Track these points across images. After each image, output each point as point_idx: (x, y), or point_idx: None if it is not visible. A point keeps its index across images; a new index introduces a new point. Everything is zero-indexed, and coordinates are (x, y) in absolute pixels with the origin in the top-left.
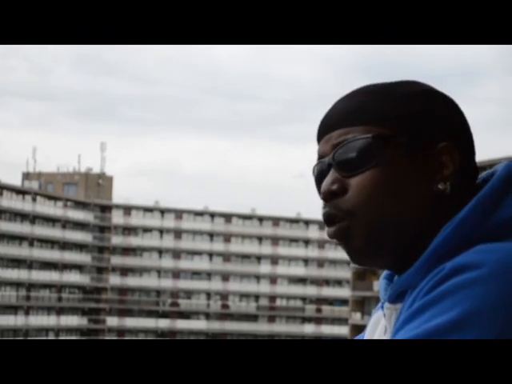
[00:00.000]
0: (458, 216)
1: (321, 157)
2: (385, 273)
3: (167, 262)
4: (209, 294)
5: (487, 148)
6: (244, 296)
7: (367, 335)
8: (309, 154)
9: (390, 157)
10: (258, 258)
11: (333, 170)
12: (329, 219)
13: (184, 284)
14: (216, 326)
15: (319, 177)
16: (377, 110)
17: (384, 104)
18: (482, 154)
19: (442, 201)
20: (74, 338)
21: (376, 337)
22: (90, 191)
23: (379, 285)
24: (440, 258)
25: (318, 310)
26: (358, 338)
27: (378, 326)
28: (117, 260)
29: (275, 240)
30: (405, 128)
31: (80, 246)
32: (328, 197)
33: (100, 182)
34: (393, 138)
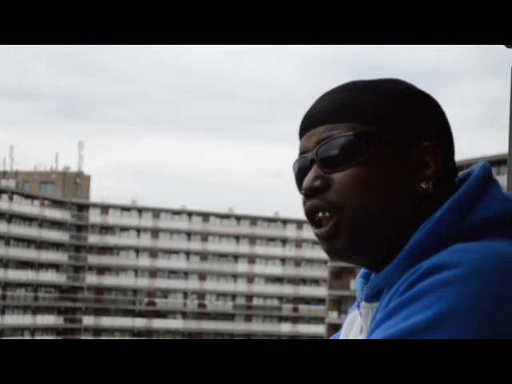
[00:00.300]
0: (435, 215)
1: (303, 152)
2: (361, 271)
3: (144, 261)
4: (186, 293)
5: (464, 148)
6: (221, 295)
7: (343, 334)
8: (286, 153)
9: (374, 155)
10: (236, 257)
11: (315, 166)
12: (312, 211)
13: (161, 283)
14: (193, 325)
15: (300, 173)
16: (363, 107)
17: (370, 101)
18: (459, 154)
19: (423, 200)
20: (49, 337)
21: (352, 336)
22: (68, 190)
23: (356, 284)
24: (417, 256)
25: (295, 309)
26: (333, 336)
27: (354, 325)
28: (93, 259)
29: (252, 239)
30: (390, 126)
31: (57, 245)
32: (310, 193)
33: (77, 181)
34: (378, 136)
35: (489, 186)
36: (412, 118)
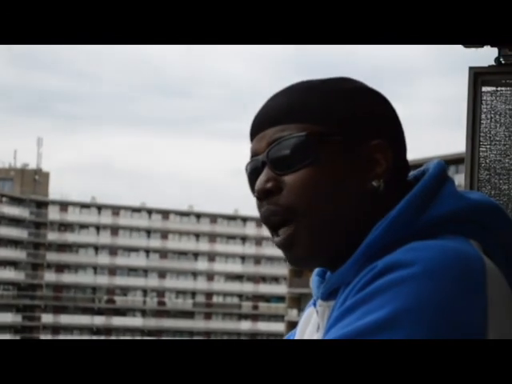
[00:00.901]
0: (391, 214)
1: (254, 154)
2: (317, 269)
3: (103, 259)
4: (145, 291)
5: (424, 147)
6: (180, 293)
7: (299, 331)
8: (246, 151)
9: (326, 155)
10: (195, 255)
11: (267, 167)
12: (267, 216)
13: (120, 281)
14: (152, 322)
15: (252, 175)
16: (312, 107)
17: (320, 101)
18: (418, 153)
19: (376, 198)
20: (7, 335)
21: (308, 333)
22: (26, 187)
23: (311, 282)
24: (372, 255)
25: (255, 307)
26: (289, 334)
27: (310, 322)
28: (52, 256)
29: (212, 237)
30: (340, 126)
31: (15, 243)
32: (262, 195)
33: (36, 178)
34: (328, 136)
35: (444, 184)
36: (362, 116)
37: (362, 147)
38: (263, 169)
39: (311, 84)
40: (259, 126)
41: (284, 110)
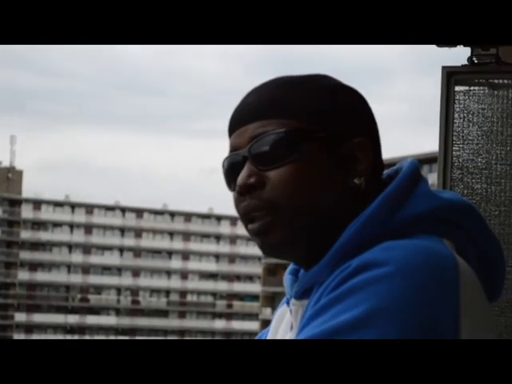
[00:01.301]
0: (365, 213)
1: (234, 149)
2: (290, 268)
3: (77, 257)
4: (119, 290)
5: (398, 146)
6: (154, 291)
7: (272, 330)
8: (220, 149)
9: (308, 151)
10: (169, 254)
11: (249, 163)
12: (248, 214)
13: (94, 279)
14: (126, 321)
15: (231, 170)
16: (295, 103)
17: (303, 98)
18: (393, 152)
19: (356, 196)
20: None
21: (281, 332)
22: None
23: (285, 280)
24: (346, 254)
25: (229, 306)
26: (262, 332)
27: (283, 321)
28: (25, 255)
29: (187, 235)
30: (323, 123)
31: None
32: (245, 190)
33: (9, 176)
34: (311, 133)
35: (417, 183)
36: (344, 114)
37: (345, 145)
38: (244, 164)
39: (293, 80)
40: (239, 120)
41: (266, 106)
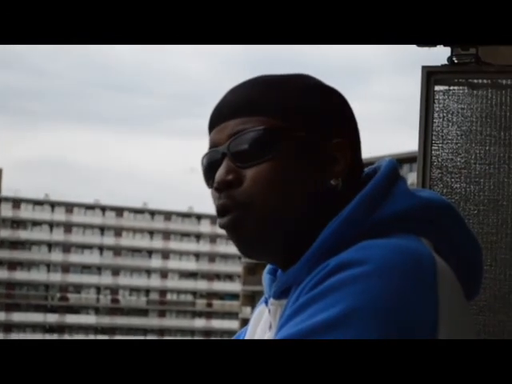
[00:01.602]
0: (343, 213)
1: (213, 145)
2: (268, 267)
3: (57, 256)
4: (99, 289)
5: (379, 145)
6: (134, 290)
7: (250, 329)
8: (200, 148)
9: (288, 150)
10: (149, 253)
11: (227, 159)
12: (223, 210)
13: (73, 278)
14: (106, 320)
15: (210, 166)
16: (276, 102)
17: (283, 97)
18: (372, 152)
19: (333, 196)
20: None
21: (259, 331)
22: None
23: (263, 279)
24: (324, 254)
25: (209, 305)
26: (241, 331)
27: (262, 320)
28: (4, 254)
29: (166, 234)
30: (303, 122)
31: None
32: (222, 187)
33: None
34: (291, 132)
35: (395, 182)
36: (324, 114)
37: (324, 145)
38: (223, 160)
39: (274, 79)
40: (219, 117)
41: (246, 103)
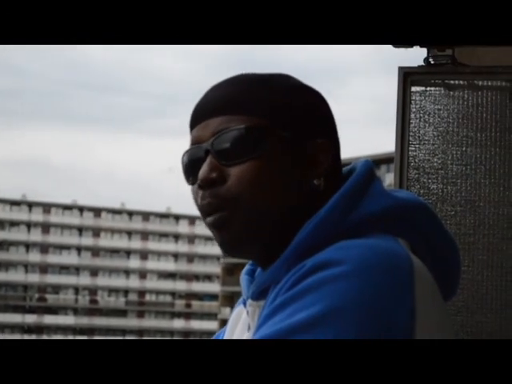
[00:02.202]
0: (320, 213)
1: (196, 142)
2: (246, 268)
3: (34, 257)
4: (77, 289)
5: (356, 146)
6: (113, 291)
7: (228, 330)
8: (178, 148)
9: (272, 149)
10: (128, 253)
11: (211, 157)
12: (210, 209)
13: (52, 279)
14: (84, 321)
15: (191, 163)
16: (260, 100)
17: (268, 95)
18: (350, 152)
19: (314, 197)
20: None
21: (237, 332)
22: None
23: (241, 281)
24: (302, 254)
25: (188, 305)
26: (219, 332)
27: (240, 321)
28: None
29: (145, 235)
30: (287, 121)
31: None
32: (206, 184)
33: None
34: (275, 131)
35: (371, 182)
36: (305, 114)
37: (307, 145)
38: (206, 157)
39: (257, 77)
40: (202, 114)
41: (230, 101)
